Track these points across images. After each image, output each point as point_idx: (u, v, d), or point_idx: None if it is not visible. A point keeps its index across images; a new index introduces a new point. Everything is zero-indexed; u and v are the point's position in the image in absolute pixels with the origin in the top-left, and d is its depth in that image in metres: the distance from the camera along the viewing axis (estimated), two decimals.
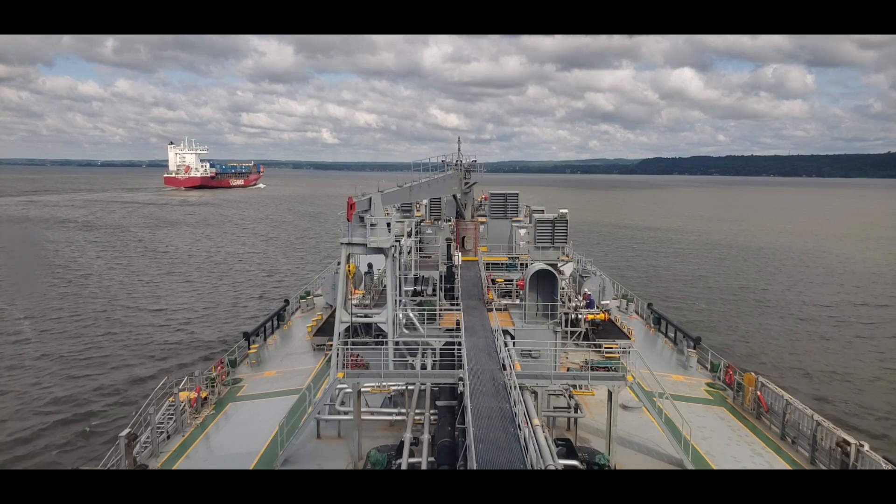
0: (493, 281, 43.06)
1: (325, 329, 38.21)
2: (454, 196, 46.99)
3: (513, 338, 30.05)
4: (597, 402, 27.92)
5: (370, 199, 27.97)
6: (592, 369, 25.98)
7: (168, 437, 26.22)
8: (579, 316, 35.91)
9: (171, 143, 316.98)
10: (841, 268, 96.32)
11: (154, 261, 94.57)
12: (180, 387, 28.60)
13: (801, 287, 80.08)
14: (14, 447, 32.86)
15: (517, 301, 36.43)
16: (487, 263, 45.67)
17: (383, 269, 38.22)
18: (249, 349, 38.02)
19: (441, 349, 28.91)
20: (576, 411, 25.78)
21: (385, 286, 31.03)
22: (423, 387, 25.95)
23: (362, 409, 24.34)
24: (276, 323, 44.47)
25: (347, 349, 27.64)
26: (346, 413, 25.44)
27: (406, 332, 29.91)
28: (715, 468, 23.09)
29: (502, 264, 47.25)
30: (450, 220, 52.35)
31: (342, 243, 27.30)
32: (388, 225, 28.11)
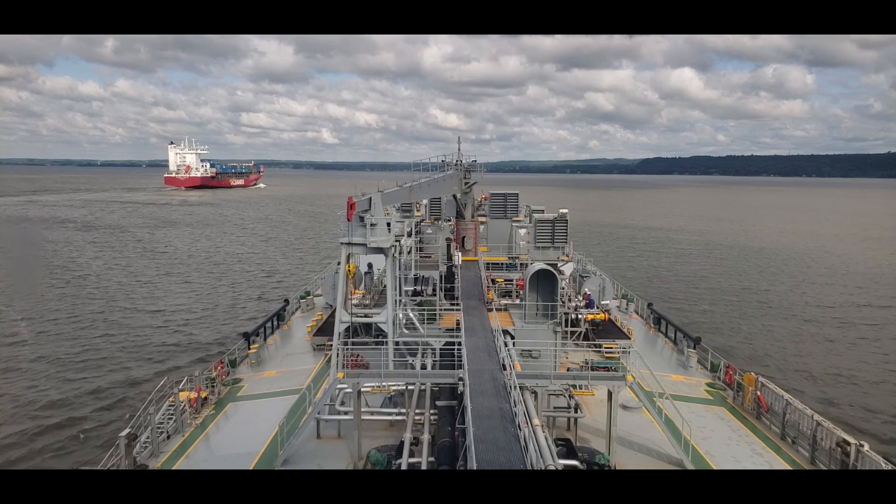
0: (493, 281, 43.06)
1: (325, 329, 38.20)
2: (454, 196, 46.98)
3: (513, 338, 30.05)
4: (597, 402, 27.92)
5: (370, 199, 27.97)
6: (592, 369, 25.98)
7: (168, 437, 26.22)
8: (579, 316, 35.91)
9: (172, 142, 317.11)
10: (843, 268, 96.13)
11: (153, 261, 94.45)
12: (180, 387, 28.60)
13: (804, 287, 79.88)
14: (11, 449, 32.71)
15: (517, 301, 36.43)
16: (487, 263, 45.67)
17: (383, 269, 38.22)
18: (249, 349, 38.01)
19: (441, 349, 28.91)
20: (576, 411, 25.78)
21: (385, 286, 31.03)
22: (423, 387, 25.95)
23: (362, 409, 24.34)
24: (275, 323, 44.46)
25: (347, 349, 27.63)
26: (346, 413, 25.43)
27: (406, 332, 29.90)
28: (715, 468, 23.08)
29: (502, 264, 47.25)
30: (450, 220, 52.34)
31: (342, 243, 27.29)
32: (388, 225, 28.10)
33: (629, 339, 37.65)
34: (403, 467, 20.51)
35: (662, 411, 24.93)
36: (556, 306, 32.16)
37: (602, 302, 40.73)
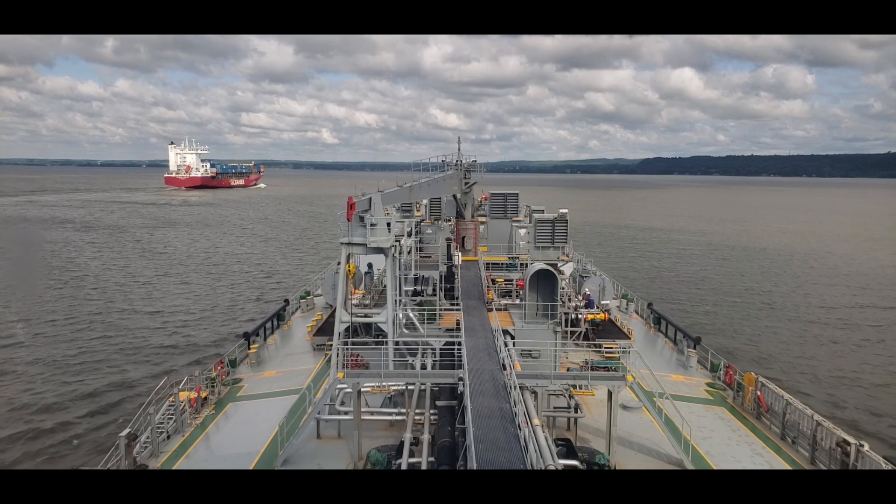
0: (493, 281, 43.07)
1: (325, 329, 38.21)
2: (454, 196, 46.99)
3: (513, 338, 30.05)
4: (597, 402, 27.92)
5: (370, 199, 27.98)
6: (592, 369, 26.00)
7: (168, 437, 26.22)
8: (579, 316, 35.92)
9: (172, 143, 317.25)
10: (846, 268, 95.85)
11: (152, 261, 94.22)
12: (180, 387, 28.60)
13: (807, 288, 79.55)
14: (4, 454, 32.50)
15: (517, 301, 36.43)
16: (487, 263, 45.68)
17: (383, 269, 38.23)
18: (249, 349, 38.01)
19: (441, 349, 28.91)
20: (576, 411, 25.78)
21: (385, 286, 31.03)
22: (423, 387, 25.95)
23: (362, 409, 24.34)
24: (275, 323, 44.47)
25: (347, 349, 27.63)
26: (346, 413, 25.43)
27: (406, 332, 29.90)
28: (715, 468, 23.08)
29: (502, 264, 47.25)
30: (450, 220, 52.35)
31: (342, 243, 27.30)
32: (388, 225, 28.10)
33: (629, 339, 37.66)
34: (403, 467, 20.51)
35: (662, 411, 24.93)
36: (556, 306, 32.16)
37: (602, 302, 40.74)
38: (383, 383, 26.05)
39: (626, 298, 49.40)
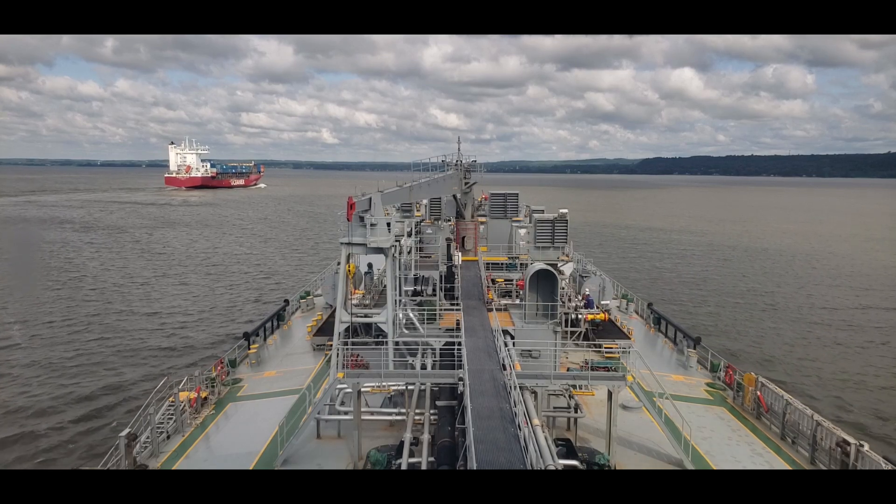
0: (493, 281, 43.06)
1: (325, 329, 38.21)
2: (454, 196, 46.99)
3: (513, 338, 30.05)
4: (597, 402, 27.92)
5: (370, 199, 27.98)
6: (592, 369, 25.98)
7: (168, 437, 26.22)
8: (579, 316, 35.92)
9: (173, 143, 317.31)
10: (849, 269, 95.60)
11: (150, 262, 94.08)
12: (180, 387, 28.60)
13: (810, 289, 79.28)
14: (6, 453, 32.45)
15: (517, 301, 36.43)
16: (487, 263, 45.68)
17: (383, 269, 38.23)
18: (249, 349, 38.01)
19: (441, 349, 28.90)
20: (576, 411, 25.78)
21: (385, 286, 31.03)
22: (423, 387, 25.94)
23: (362, 409, 24.34)
24: (275, 323, 44.46)
25: (347, 349, 27.63)
26: (346, 413, 25.43)
27: (406, 332, 29.90)
28: (715, 468, 23.08)
29: (502, 264, 47.25)
30: (450, 220, 52.35)
31: (342, 243, 27.30)
32: (388, 225, 28.11)
33: (629, 339, 37.67)
34: (403, 467, 20.51)
35: (662, 411, 24.94)
36: (556, 306, 32.17)
37: (602, 302, 40.74)
38: (383, 383, 26.04)
39: (626, 298, 49.40)
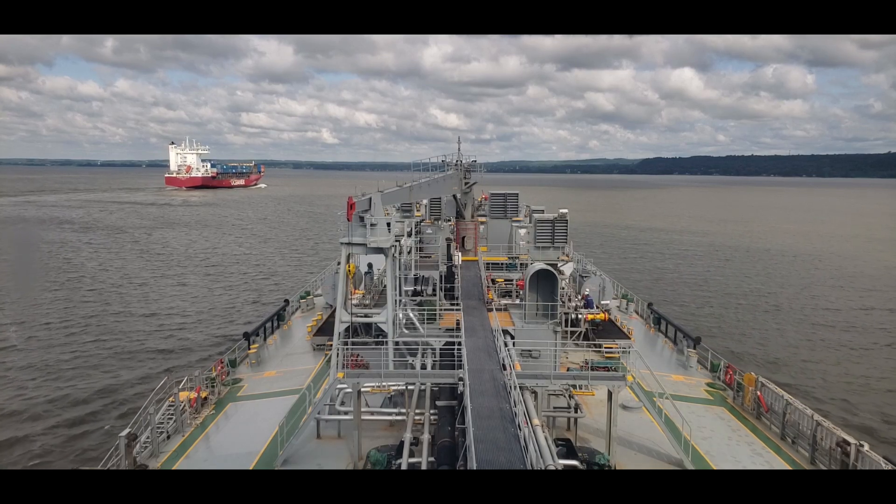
0: (493, 281, 43.07)
1: (325, 329, 38.21)
2: (454, 196, 47.00)
3: (513, 338, 30.06)
4: (597, 402, 27.92)
5: (370, 199, 27.98)
6: (592, 369, 25.99)
7: (168, 437, 26.22)
8: (579, 316, 35.92)
9: (173, 142, 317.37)
10: (851, 269, 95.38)
11: (149, 262, 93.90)
12: (180, 387, 28.59)
13: (814, 290, 78.97)
14: (4, 455, 32.33)
15: (517, 301, 36.43)
16: (487, 263, 45.69)
17: (383, 269, 38.23)
18: (249, 349, 38.01)
19: (441, 349, 28.91)
20: (576, 411, 25.78)
21: (385, 286, 31.03)
22: (423, 387, 25.94)
23: (362, 409, 24.34)
24: (275, 323, 44.46)
25: (347, 349, 27.64)
26: (346, 413, 25.43)
27: (406, 332, 29.91)
28: (715, 468, 23.08)
29: (502, 264, 47.26)
30: (450, 220, 52.36)
31: (342, 243, 27.30)
32: (388, 225, 28.11)
33: (629, 339, 37.66)
34: (403, 467, 20.51)
35: (662, 411, 24.94)
36: (556, 306, 32.17)
37: (602, 302, 40.74)
38: (383, 383, 26.05)
39: (626, 298, 49.40)
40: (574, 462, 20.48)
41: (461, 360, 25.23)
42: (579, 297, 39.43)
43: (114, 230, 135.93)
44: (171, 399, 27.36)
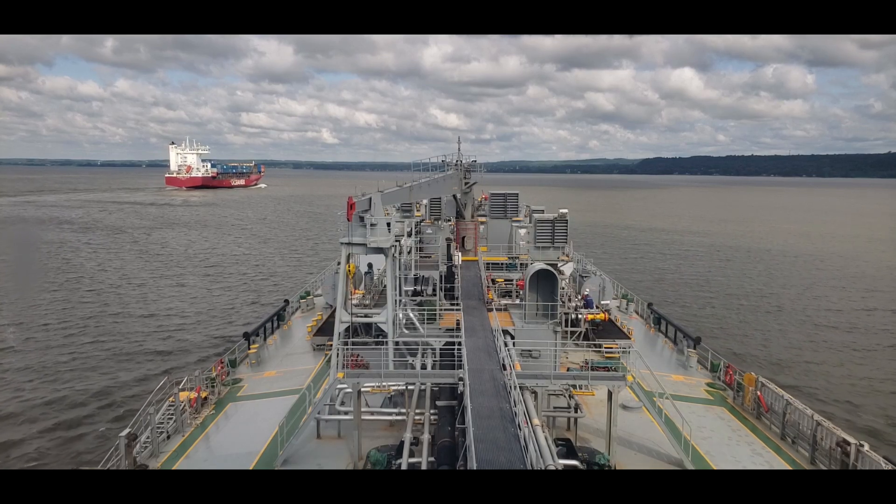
0: (493, 281, 43.07)
1: (325, 329, 38.21)
2: (454, 196, 47.00)
3: (513, 338, 30.06)
4: (597, 402, 27.92)
5: (370, 199, 27.98)
6: (592, 369, 26.00)
7: (168, 437, 26.22)
8: (579, 316, 35.92)
9: (173, 142, 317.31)
10: (853, 269, 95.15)
11: (148, 263, 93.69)
12: (180, 387, 28.60)
13: (816, 290, 78.74)
14: (1, 457, 32.23)
15: (517, 301, 36.44)
16: (487, 263, 45.69)
17: (383, 269, 38.23)
18: (249, 349, 38.01)
19: (441, 349, 28.91)
20: (576, 411, 25.79)
21: (385, 286, 31.04)
22: (423, 387, 25.95)
23: (362, 409, 24.34)
24: (276, 323, 44.46)
25: (347, 349, 27.64)
26: (346, 413, 25.44)
27: (406, 332, 29.91)
28: (715, 468, 23.08)
29: (502, 264, 47.26)
30: (450, 220, 52.36)
31: (342, 243, 27.30)
32: (388, 225, 28.11)
33: (629, 339, 37.67)
34: (403, 467, 20.51)
35: (662, 411, 24.94)
36: (556, 306, 32.17)
37: (602, 302, 40.74)
38: (383, 383, 26.05)
39: (626, 298, 49.40)
40: (574, 462, 20.48)
41: (461, 360, 25.23)
42: (579, 297, 39.43)
43: (113, 230, 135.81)
44: (171, 399, 27.36)
